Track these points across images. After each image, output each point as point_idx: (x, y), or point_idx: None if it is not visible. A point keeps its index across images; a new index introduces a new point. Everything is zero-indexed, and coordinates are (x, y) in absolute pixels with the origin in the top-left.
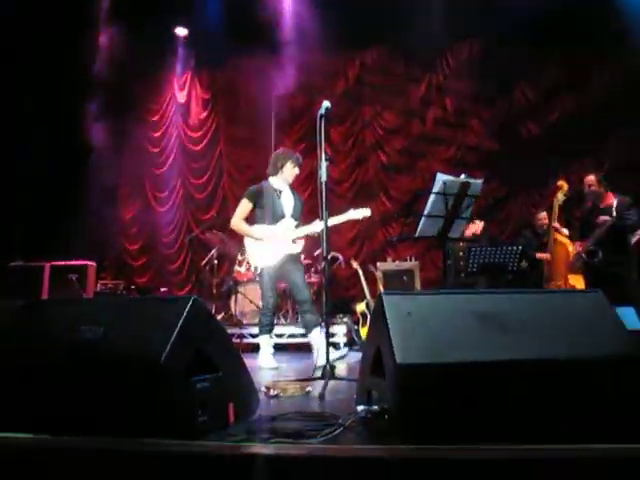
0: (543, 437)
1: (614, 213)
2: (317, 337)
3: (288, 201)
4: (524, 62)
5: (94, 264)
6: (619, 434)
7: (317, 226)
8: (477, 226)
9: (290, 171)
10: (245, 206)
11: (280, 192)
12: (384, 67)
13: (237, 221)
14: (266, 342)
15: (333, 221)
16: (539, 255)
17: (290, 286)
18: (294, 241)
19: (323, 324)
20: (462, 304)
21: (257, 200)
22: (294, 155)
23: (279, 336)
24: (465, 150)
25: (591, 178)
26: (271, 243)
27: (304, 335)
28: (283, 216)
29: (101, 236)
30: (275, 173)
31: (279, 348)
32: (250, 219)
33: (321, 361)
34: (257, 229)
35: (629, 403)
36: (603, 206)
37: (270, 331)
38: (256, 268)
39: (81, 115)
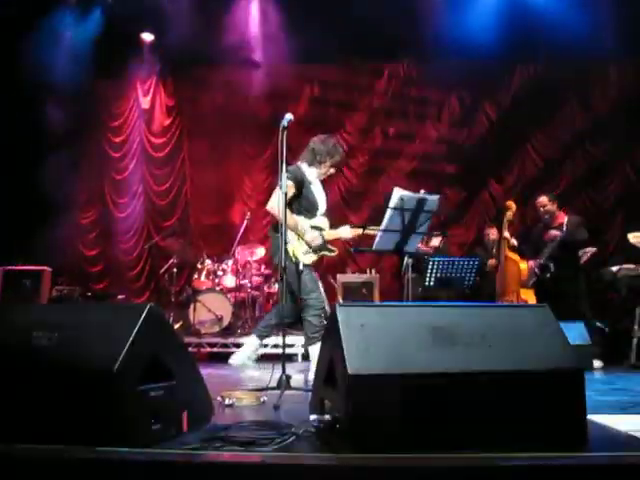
0: (491, 445)
1: (564, 228)
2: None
3: (321, 196)
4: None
5: (49, 269)
6: (561, 442)
7: (347, 232)
8: (437, 239)
9: (326, 169)
10: (288, 189)
11: (310, 183)
12: (348, 74)
13: (275, 204)
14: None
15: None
16: (489, 262)
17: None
18: (329, 243)
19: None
20: (414, 317)
21: (299, 186)
22: (338, 157)
23: (237, 346)
24: (426, 159)
25: (543, 199)
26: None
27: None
28: (316, 212)
29: (58, 241)
30: (311, 163)
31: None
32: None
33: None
34: (301, 220)
35: (570, 413)
36: (555, 225)
37: None
38: (298, 264)
39: (39, 116)
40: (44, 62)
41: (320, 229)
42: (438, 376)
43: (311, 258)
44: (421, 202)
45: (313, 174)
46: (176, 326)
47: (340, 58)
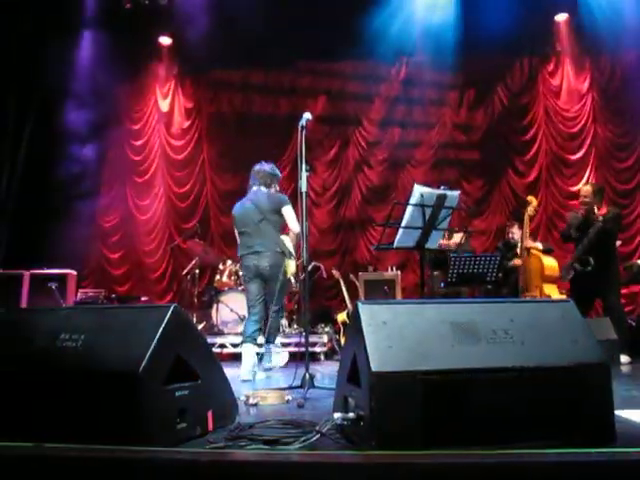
0: (517, 442)
1: (600, 218)
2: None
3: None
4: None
5: (74, 273)
6: (589, 438)
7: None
8: (458, 236)
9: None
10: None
11: None
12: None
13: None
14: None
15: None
16: (512, 263)
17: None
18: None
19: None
20: (436, 313)
21: None
22: (279, 176)
23: (260, 345)
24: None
25: (587, 189)
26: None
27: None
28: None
29: (82, 244)
30: (270, 187)
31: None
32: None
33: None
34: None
35: (596, 409)
36: (596, 217)
37: None
38: (289, 278)
39: (62, 121)
40: (67, 66)
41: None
42: (461, 373)
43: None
44: (441, 198)
45: None
46: (199, 327)
47: (356, 53)
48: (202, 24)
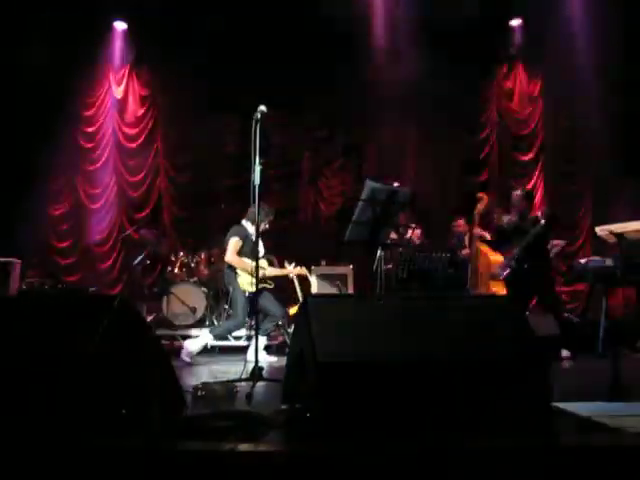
0: (459, 430)
1: (542, 221)
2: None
3: (260, 245)
4: None
5: (19, 261)
6: (527, 427)
7: (288, 272)
8: (415, 233)
9: (262, 225)
10: (237, 243)
11: (252, 235)
12: None
13: (233, 256)
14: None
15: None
16: (462, 253)
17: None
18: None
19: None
20: (382, 308)
21: (244, 239)
22: (270, 215)
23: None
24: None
25: (517, 194)
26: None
27: (237, 338)
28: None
29: (28, 232)
30: (252, 222)
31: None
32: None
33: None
34: (248, 262)
35: (534, 401)
36: (529, 217)
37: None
38: (245, 291)
39: (8, 105)
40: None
41: (262, 268)
42: (406, 365)
43: (251, 288)
44: (392, 194)
45: (251, 228)
46: (149, 318)
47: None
48: (158, 10)
